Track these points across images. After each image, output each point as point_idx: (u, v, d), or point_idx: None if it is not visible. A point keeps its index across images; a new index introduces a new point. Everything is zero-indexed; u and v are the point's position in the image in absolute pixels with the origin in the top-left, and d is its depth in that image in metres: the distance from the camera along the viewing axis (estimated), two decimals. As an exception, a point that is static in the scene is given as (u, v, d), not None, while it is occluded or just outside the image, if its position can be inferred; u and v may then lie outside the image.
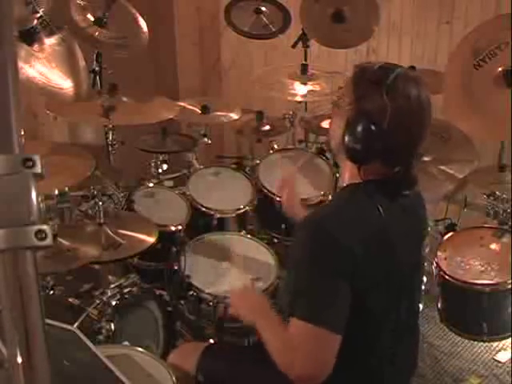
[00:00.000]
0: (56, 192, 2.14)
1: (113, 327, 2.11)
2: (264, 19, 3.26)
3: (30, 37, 1.94)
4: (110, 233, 2.17)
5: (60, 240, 2.01)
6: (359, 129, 1.28)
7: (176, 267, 2.27)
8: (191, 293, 2.19)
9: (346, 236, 1.27)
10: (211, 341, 2.04)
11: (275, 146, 3.06)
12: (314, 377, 1.26)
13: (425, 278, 1.74)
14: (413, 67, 2.74)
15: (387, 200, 1.36)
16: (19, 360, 0.55)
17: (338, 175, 2.69)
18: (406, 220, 1.41)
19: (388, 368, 1.44)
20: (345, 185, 1.44)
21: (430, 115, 1.34)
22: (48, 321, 0.59)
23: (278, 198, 2.49)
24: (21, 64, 1.89)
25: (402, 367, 1.51)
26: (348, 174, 1.41)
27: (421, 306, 1.71)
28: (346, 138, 1.31)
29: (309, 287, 1.29)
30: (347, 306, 1.27)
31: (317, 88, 2.93)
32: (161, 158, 2.97)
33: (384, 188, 1.36)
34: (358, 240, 1.28)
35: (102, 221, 2.17)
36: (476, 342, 2.47)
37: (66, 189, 2.17)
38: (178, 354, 1.79)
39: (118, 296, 2.22)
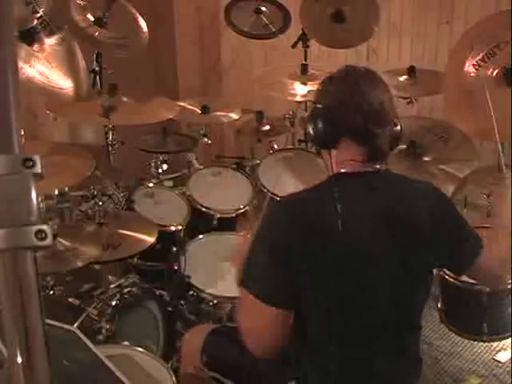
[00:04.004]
0: (56, 192, 2.14)
1: (113, 327, 2.11)
2: (264, 19, 3.26)
3: (30, 37, 1.94)
4: (110, 233, 2.18)
5: (60, 240, 2.01)
6: (312, 116, 1.44)
7: (176, 267, 2.27)
8: (191, 293, 2.19)
9: (299, 222, 1.33)
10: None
11: (275, 146, 3.06)
12: (254, 345, 1.38)
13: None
14: (413, 67, 2.75)
15: (360, 192, 1.38)
16: (19, 360, 0.55)
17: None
18: (387, 216, 1.37)
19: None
20: None
21: (375, 96, 1.40)
22: (48, 321, 0.59)
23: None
24: (21, 64, 1.89)
25: None
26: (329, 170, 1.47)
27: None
28: (308, 129, 1.45)
29: (253, 259, 1.37)
30: (287, 283, 1.33)
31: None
32: (161, 158, 2.97)
33: (355, 180, 1.39)
34: (312, 231, 1.32)
35: (101, 221, 2.17)
36: (476, 342, 2.47)
37: (66, 189, 2.17)
38: (191, 333, 1.81)
39: (118, 296, 2.22)
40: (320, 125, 1.41)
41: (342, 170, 1.40)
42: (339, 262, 1.33)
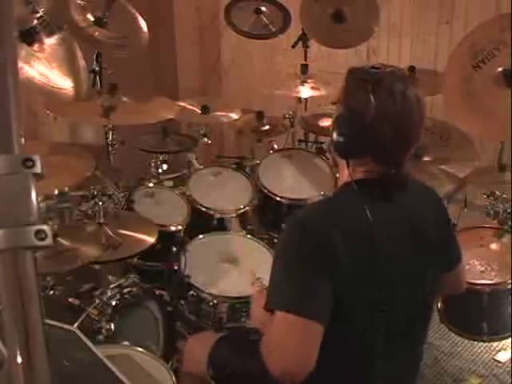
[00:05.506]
0: (56, 192, 2.14)
1: (113, 327, 2.11)
2: (264, 19, 3.26)
3: (29, 37, 1.94)
4: (110, 233, 2.17)
5: (60, 240, 2.01)
6: (343, 123, 1.32)
7: (176, 267, 2.27)
8: (191, 293, 2.19)
9: (329, 234, 1.26)
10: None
11: (275, 146, 3.06)
12: (295, 371, 1.23)
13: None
14: (413, 67, 2.75)
15: (379, 200, 1.35)
16: (19, 360, 0.55)
17: (338, 175, 2.69)
18: (405, 223, 1.37)
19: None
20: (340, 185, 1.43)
21: (422, 114, 1.32)
22: (48, 321, 0.59)
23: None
24: (21, 64, 1.88)
25: None
26: (342, 173, 1.41)
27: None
28: (333, 133, 1.34)
29: (289, 279, 1.28)
30: (329, 299, 1.25)
31: (317, 88, 2.93)
32: (161, 158, 2.97)
33: (374, 188, 1.34)
34: (341, 239, 1.26)
35: (101, 221, 2.17)
36: (476, 342, 2.47)
37: (66, 189, 2.16)
38: (195, 340, 1.80)
39: (118, 296, 2.22)
40: (346, 135, 1.31)
41: (360, 177, 1.34)
42: (372, 266, 1.30)
